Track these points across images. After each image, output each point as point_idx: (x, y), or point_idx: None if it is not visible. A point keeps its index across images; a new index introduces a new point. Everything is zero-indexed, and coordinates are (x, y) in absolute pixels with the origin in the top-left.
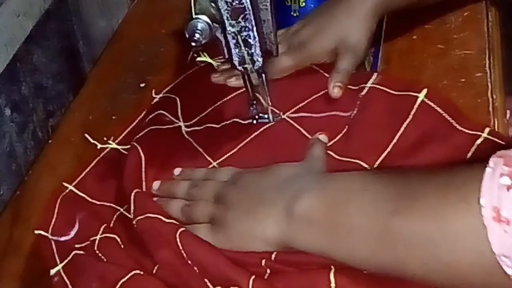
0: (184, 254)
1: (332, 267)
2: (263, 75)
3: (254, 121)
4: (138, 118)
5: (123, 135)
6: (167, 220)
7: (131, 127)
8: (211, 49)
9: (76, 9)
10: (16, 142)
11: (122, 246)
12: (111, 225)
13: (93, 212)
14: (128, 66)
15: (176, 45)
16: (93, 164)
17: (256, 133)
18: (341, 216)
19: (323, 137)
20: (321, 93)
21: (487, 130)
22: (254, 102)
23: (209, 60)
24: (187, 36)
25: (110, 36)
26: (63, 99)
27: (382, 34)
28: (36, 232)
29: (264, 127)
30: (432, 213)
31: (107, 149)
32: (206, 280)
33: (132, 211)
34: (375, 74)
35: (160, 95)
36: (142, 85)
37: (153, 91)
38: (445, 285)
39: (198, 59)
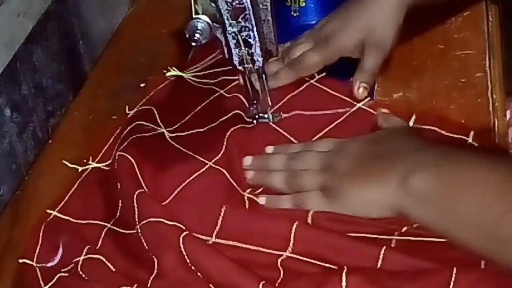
0: (188, 259)
1: (345, 267)
2: (263, 75)
3: (254, 121)
4: (114, 135)
5: (102, 153)
6: (169, 223)
7: (108, 144)
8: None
9: (76, 9)
10: (16, 142)
11: (109, 264)
12: (100, 242)
13: (76, 233)
14: (128, 66)
15: (176, 45)
16: (75, 186)
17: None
18: (454, 204)
19: (385, 110)
20: (296, 92)
21: (471, 133)
22: (254, 102)
23: (179, 73)
24: (187, 36)
25: (110, 36)
26: (63, 99)
27: None
28: (21, 261)
29: (245, 126)
30: None
31: (88, 170)
32: (211, 285)
33: (136, 215)
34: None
35: (135, 109)
36: (142, 85)
37: (127, 107)
38: None
39: (168, 74)
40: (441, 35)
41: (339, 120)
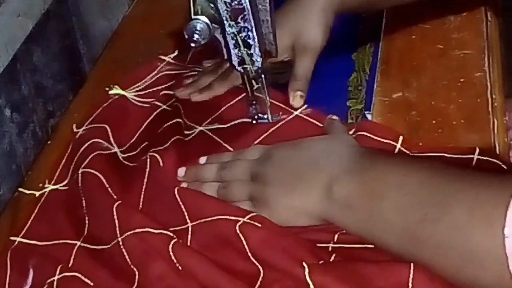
0: (179, 267)
1: (306, 267)
2: (263, 75)
3: (254, 121)
4: (65, 156)
5: (56, 175)
6: (156, 232)
7: (61, 165)
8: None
9: (76, 9)
10: (16, 142)
11: (86, 280)
12: (71, 261)
13: (46, 255)
14: (128, 66)
15: (175, 46)
16: (36, 211)
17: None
18: (377, 208)
19: (335, 117)
20: (234, 101)
21: (401, 138)
22: (254, 102)
23: (122, 92)
24: (186, 36)
25: (110, 36)
26: (63, 99)
27: (381, 33)
28: None
29: (189, 138)
30: (458, 229)
31: (46, 193)
32: None
33: (117, 227)
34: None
35: (84, 127)
36: None
37: (74, 126)
38: None
39: (111, 92)
40: (441, 35)
41: (274, 128)
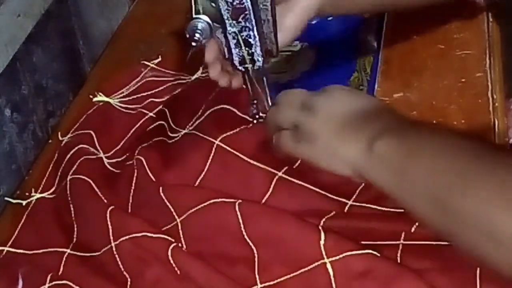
0: (178, 271)
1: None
2: (264, 75)
3: (254, 121)
4: (51, 164)
5: (43, 183)
6: (154, 236)
7: (48, 172)
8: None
9: (76, 9)
10: (16, 142)
11: (78, 287)
12: (61, 268)
13: (35, 263)
14: (128, 66)
15: (176, 45)
16: (23, 220)
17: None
18: (412, 168)
19: None
20: (210, 97)
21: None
22: (254, 102)
23: (106, 99)
24: (187, 36)
25: (110, 36)
26: (63, 99)
27: (382, 34)
28: None
29: (174, 140)
30: (488, 204)
31: (33, 201)
32: None
33: (110, 232)
34: None
35: (69, 135)
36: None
37: (59, 133)
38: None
39: (95, 99)
40: (441, 35)
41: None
